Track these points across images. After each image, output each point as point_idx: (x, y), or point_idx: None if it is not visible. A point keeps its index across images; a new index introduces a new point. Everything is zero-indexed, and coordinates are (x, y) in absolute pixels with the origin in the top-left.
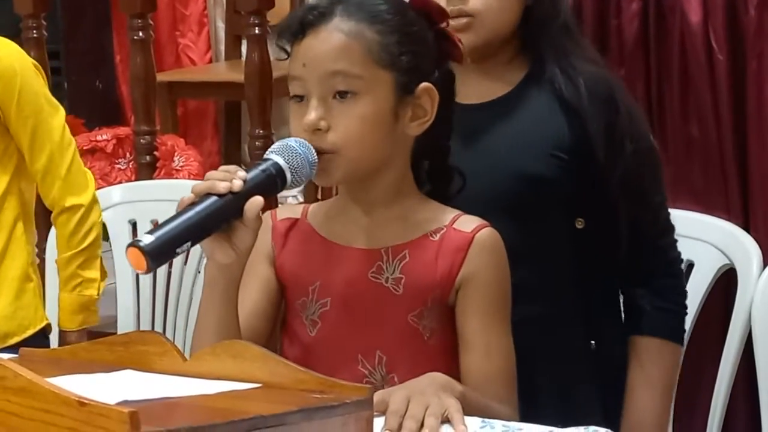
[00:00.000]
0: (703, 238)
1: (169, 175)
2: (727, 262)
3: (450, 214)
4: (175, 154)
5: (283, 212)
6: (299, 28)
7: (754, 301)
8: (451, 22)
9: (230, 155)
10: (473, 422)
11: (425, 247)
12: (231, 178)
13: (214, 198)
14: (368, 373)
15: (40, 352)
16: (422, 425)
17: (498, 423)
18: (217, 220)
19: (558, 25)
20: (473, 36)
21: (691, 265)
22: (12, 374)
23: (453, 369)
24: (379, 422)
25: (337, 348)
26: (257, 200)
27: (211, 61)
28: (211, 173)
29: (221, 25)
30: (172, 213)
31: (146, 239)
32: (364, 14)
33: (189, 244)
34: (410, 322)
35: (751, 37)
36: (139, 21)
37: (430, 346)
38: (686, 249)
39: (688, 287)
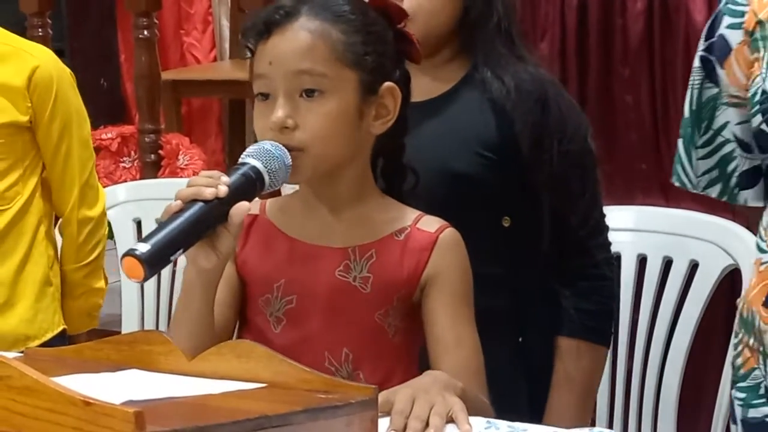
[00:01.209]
0: (708, 238)
1: (173, 174)
2: (732, 261)
3: (412, 213)
4: (180, 152)
5: None
6: (264, 27)
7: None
8: None
9: (234, 153)
10: (478, 422)
11: (391, 247)
12: (216, 184)
13: (200, 204)
14: (335, 369)
15: (45, 352)
16: (427, 425)
17: (503, 423)
18: (205, 226)
19: (492, 25)
20: None
21: (695, 265)
22: (17, 374)
23: (414, 365)
24: (383, 422)
25: (304, 345)
26: (244, 206)
27: (215, 60)
28: (195, 179)
29: (226, 24)
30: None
31: (142, 248)
32: (329, 14)
33: (182, 250)
34: (377, 320)
35: None
36: (144, 19)
37: (394, 343)
38: (690, 249)
39: (692, 287)
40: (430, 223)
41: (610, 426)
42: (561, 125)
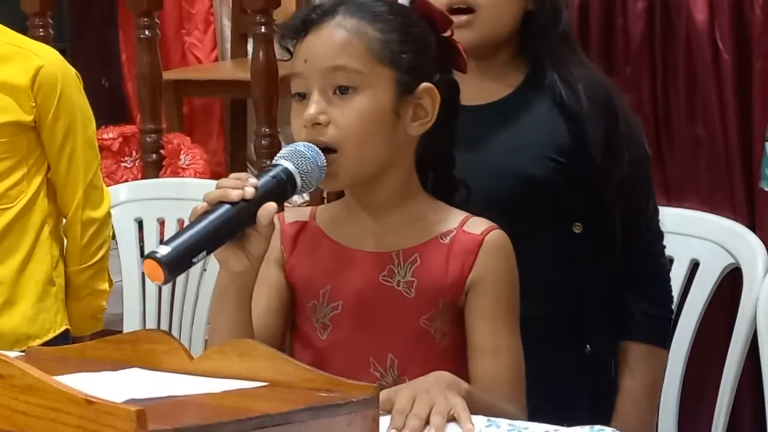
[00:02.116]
0: (709, 237)
1: (175, 174)
2: (733, 261)
3: (459, 215)
4: (181, 152)
5: (291, 215)
6: (302, 26)
7: (759, 300)
8: (453, 19)
9: (236, 153)
10: (479, 421)
11: (436, 250)
12: (243, 185)
13: (226, 206)
14: (380, 375)
15: (47, 351)
16: (428, 423)
17: (504, 422)
18: (231, 228)
19: (557, 33)
20: (473, 32)
21: (696, 265)
22: (19, 372)
23: (463, 371)
24: (384, 421)
25: (349, 351)
26: (271, 206)
27: (217, 60)
28: (223, 181)
29: (227, 24)
30: (179, 211)
31: (162, 250)
32: (366, 13)
33: (205, 253)
34: (422, 325)
35: (757, 37)
36: (146, 19)
37: (441, 348)
38: (692, 248)
39: (694, 286)
40: (477, 225)
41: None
42: (628, 131)
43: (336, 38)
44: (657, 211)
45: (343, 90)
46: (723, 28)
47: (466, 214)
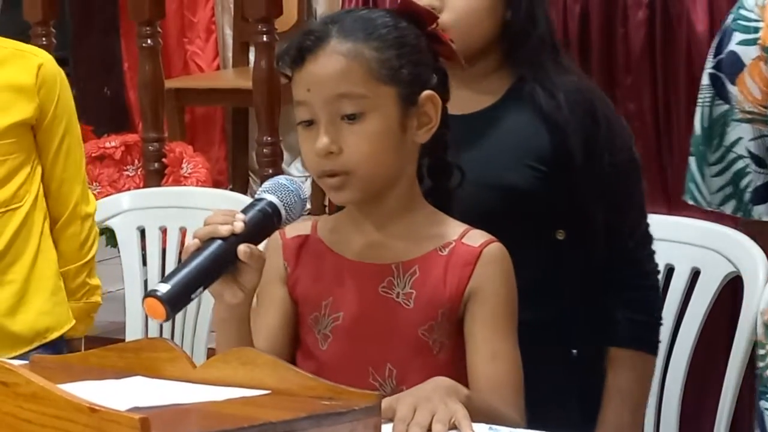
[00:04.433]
0: (710, 246)
1: (177, 182)
2: (734, 269)
3: (458, 228)
4: (183, 160)
5: (292, 229)
6: (298, 54)
7: (760, 308)
8: None
9: (237, 162)
10: (481, 429)
11: (435, 262)
12: (231, 221)
13: (218, 242)
14: (379, 385)
15: (51, 359)
16: (429, 431)
17: (505, 430)
18: (225, 262)
19: (535, 38)
20: None
21: (697, 273)
22: (24, 381)
23: (461, 382)
24: (386, 429)
25: (349, 361)
26: (244, 247)
27: (218, 68)
28: (211, 217)
29: (229, 32)
30: (181, 220)
31: (162, 288)
32: (359, 33)
33: (202, 288)
34: (420, 336)
35: None
36: (148, 28)
37: (439, 359)
38: (692, 256)
39: (694, 295)
40: (475, 238)
41: None
42: (611, 136)
43: (335, 65)
44: (644, 217)
45: (350, 116)
46: None
47: (466, 226)
